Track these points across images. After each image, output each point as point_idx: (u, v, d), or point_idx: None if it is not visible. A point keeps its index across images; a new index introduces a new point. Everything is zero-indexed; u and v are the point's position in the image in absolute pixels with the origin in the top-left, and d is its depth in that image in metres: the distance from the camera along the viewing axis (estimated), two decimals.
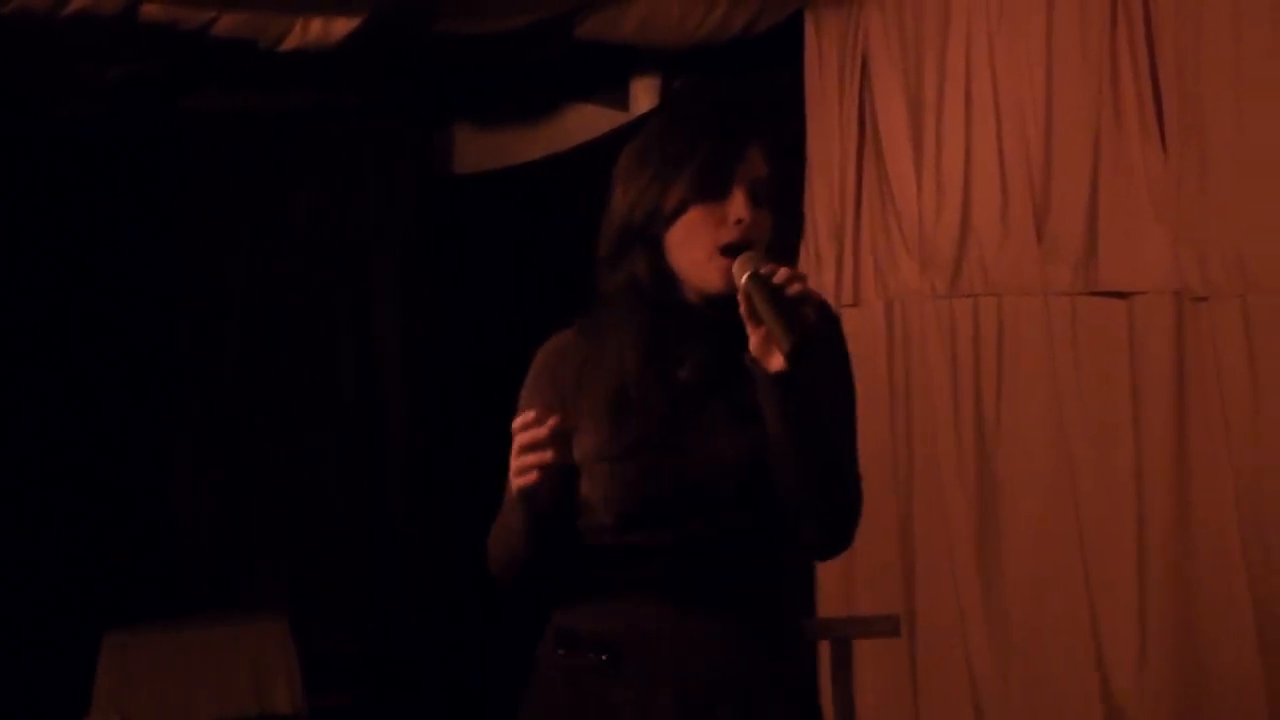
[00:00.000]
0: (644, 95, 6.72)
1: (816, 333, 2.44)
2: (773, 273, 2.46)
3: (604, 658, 2.61)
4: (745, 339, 2.52)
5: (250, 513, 7.70)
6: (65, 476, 7.29)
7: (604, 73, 6.76)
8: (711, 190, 2.59)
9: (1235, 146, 4.29)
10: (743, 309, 2.47)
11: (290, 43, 5.40)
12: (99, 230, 7.50)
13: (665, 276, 2.63)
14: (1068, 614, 4.76)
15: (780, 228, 2.68)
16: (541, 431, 2.45)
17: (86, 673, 6.48)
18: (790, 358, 2.41)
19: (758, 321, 2.46)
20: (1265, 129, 4.23)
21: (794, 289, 2.44)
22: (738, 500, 2.61)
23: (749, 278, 2.47)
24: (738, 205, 2.58)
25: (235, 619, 7.01)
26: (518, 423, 2.48)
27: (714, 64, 6.22)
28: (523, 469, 2.48)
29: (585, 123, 7.19)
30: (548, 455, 2.46)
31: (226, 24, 5.26)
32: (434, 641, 7.69)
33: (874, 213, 5.45)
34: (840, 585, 5.41)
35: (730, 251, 2.54)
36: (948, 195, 5.15)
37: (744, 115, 2.76)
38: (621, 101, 6.87)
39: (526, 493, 2.51)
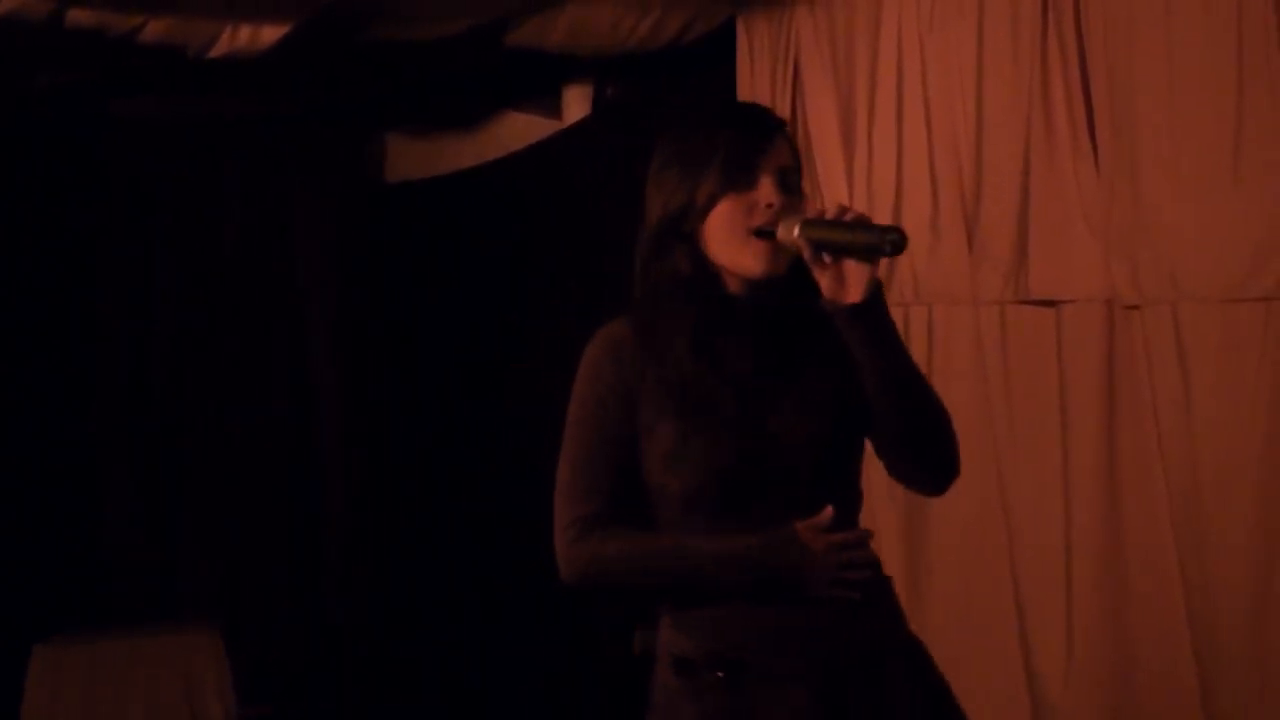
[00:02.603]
0: (576, 103, 6.72)
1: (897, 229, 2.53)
2: (821, 212, 2.59)
3: (721, 675, 2.64)
4: (793, 325, 2.68)
5: (182, 523, 7.65)
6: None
7: (536, 81, 6.76)
8: (740, 179, 2.68)
9: (1167, 155, 4.30)
10: (807, 256, 2.57)
11: (219, 49, 5.38)
12: (23, 239, 7.43)
13: (706, 269, 2.72)
14: (995, 619, 4.77)
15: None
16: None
17: (15, 685, 6.42)
18: (891, 249, 2.51)
19: (824, 261, 2.56)
20: (1197, 136, 4.24)
21: (850, 216, 2.54)
22: (817, 479, 2.69)
23: (802, 225, 2.58)
24: (766, 190, 2.67)
25: (167, 629, 6.97)
26: (847, 540, 2.63)
27: (646, 71, 6.23)
28: (844, 581, 2.62)
29: (518, 131, 7.19)
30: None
31: (154, 30, 5.23)
32: (366, 652, 7.66)
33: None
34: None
35: (764, 234, 2.64)
36: (878, 203, 5.16)
37: (765, 109, 2.89)
38: (554, 109, 6.86)
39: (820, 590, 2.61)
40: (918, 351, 4.99)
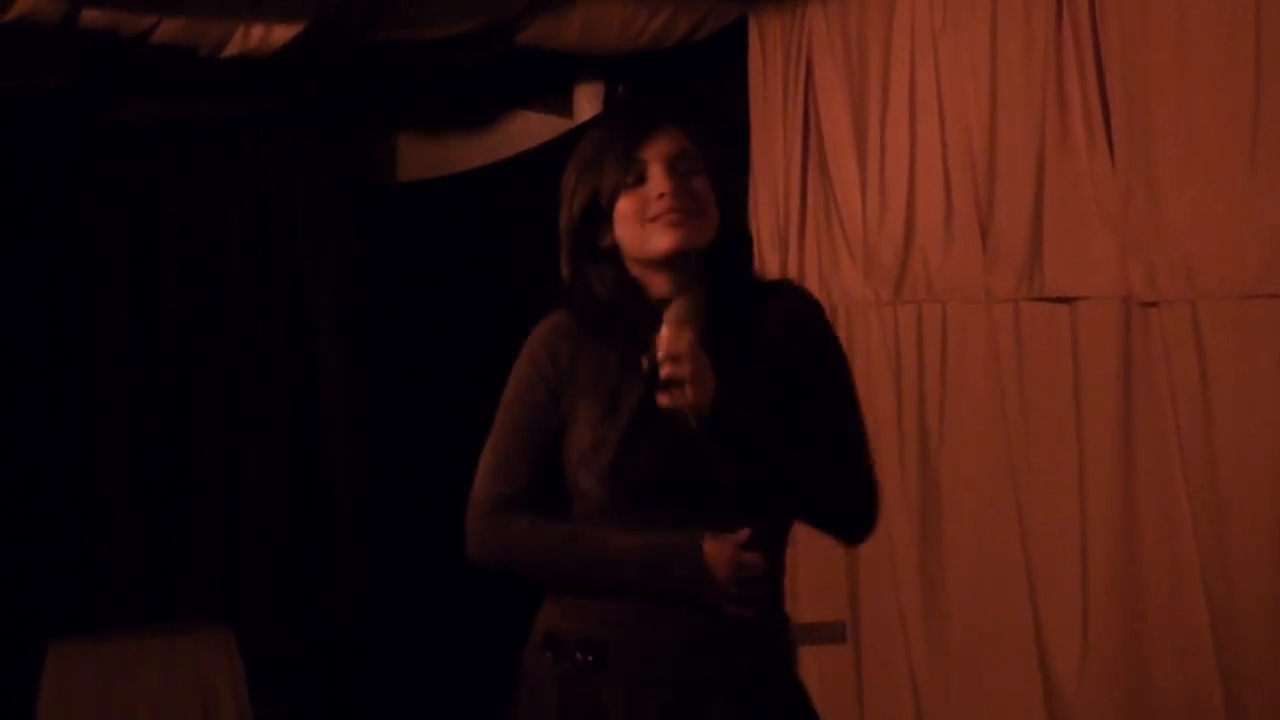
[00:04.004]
0: (587, 102, 6.72)
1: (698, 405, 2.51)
2: (655, 365, 2.52)
3: (590, 658, 2.63)
4: (724, 332, 2.64)
5: (194, 523, 7.65)
6: (6, 488, 7.22)
7: (547, 79, 6.75)
8: (629, 177, 2.68)
9: (1183, 151, 4.29)
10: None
11: (231, 49, 5.36)
12: (27, 239, 7.43)
13: (624, 284, 2.72)
14: (1010, 620, 4.76)
15: (724, 189, 2.77)
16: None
17: (31, 683, 6.43)
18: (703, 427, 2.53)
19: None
20: (1213, 132, 4.23)
21: (666, 371, 2.50)
22: (729, 496, 2.65)
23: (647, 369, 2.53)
24: (657, 181, 2.66)
25: (180, 630, 6.98)
26: (752, 560, 2.58)
27: (658, 70, 6.22)
28: (749, 600, 2.59)
29: (529, 130, 7.18)
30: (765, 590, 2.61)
31: (167, 30, 5.22)
32: (377, 651, 7.66)
33: (818, 219, 5.45)
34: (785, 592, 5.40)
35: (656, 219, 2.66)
36: (892, 201, 5.15)
37: (645, 103, 2.85)
38: (565, 108, 6.86)
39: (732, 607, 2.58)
40: (931, 350, 4.99)
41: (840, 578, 5.25)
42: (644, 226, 2.65)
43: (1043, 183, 4.68)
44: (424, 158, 7.95)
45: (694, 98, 6.09)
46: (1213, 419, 4.21)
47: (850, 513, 2.80)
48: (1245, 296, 4.13)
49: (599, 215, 2.72)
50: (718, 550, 2.56)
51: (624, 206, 2.68)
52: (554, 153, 6.89)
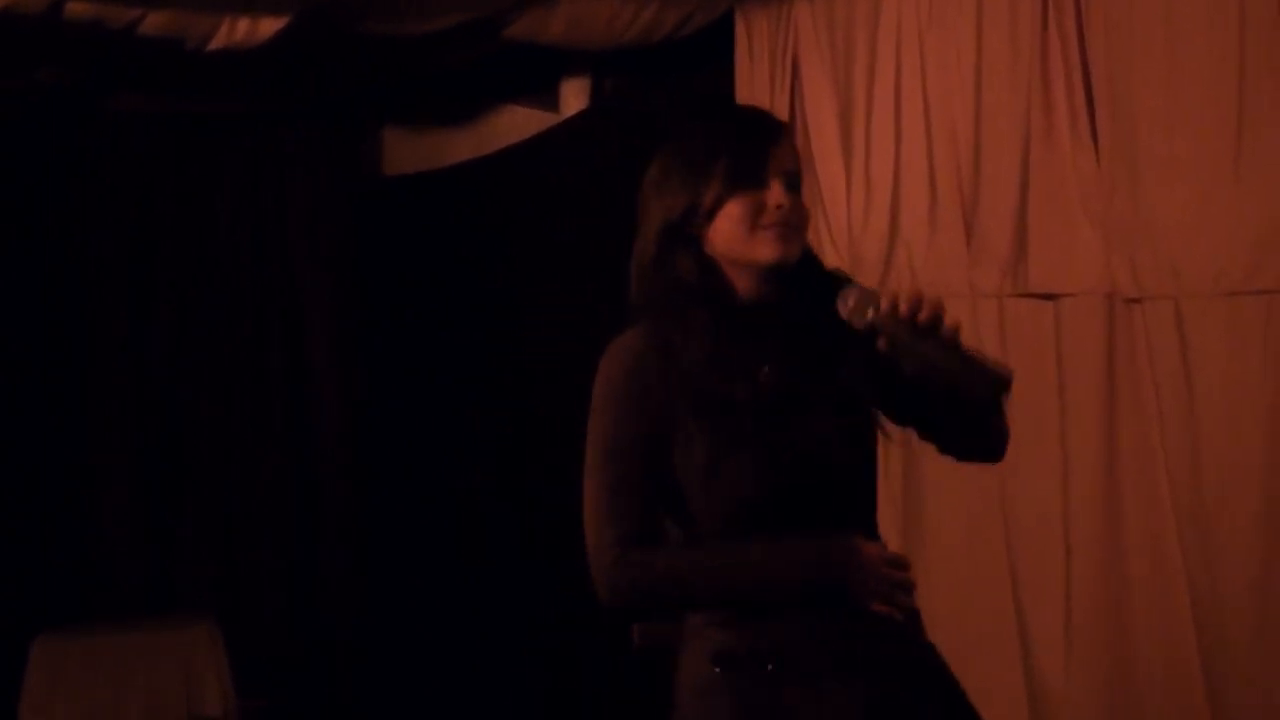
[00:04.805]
0: (574, 96, 6.72)
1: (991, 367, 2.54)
2: (894, 306, 2.52)
3: (769, 667, 2.57)
4: (809, 325, 2.64)
5: (179, 517, 7.65)
6: None
7: (534, 74, 6.76)
8: (748, 180, 2.64)
9: (1168, 148, 4.31)
10: (882, 344, 2.54)
11: (217, 42, 5.38)
12: (22, 234, 7.42)
13: (712, 273, 2.68)
14: (995, 615, 4.77)
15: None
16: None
17: (15, 677, 6.43)
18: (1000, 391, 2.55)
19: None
20: (1198, 129, 4.25)
21: (924, 316, 2.51)
22: (856, 488, 2.68)
23: (885, 317, 2.52)
24: (776, 192, 2.64)
25: (165, 622, 6.97)
26: (903, 560, 2.63)
27: (644, 65, 6.23)
28: (893, 600, 2.59)
29: (516, 124, 7.18)
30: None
31: (153, 23, 5.23)
32: (363, 644, 7.66)
33: None
34: None
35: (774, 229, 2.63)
36: (876, 197, 5.16)
37: (768, 114, 2.84)
38: (552, 103, 6.86)
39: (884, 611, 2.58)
40: None
41: None
42: (753, 232, 2.63)
43: (1027, 179, 4.70)
44: (410, 152, 7.95)
45: (681, 94, 6.11)
46: (1196, 415, 4.23)
47: (998, 404, 2.72)
48: (1228, 293, 4.15)
49: (697, 212, 2.67)
50: (873, 548, 2.59)
51: (735, 209, 2.63)
52: (540, 147, 6.93)
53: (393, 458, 7.78)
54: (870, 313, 2.52)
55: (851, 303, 2.55)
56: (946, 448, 2.81)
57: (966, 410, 2.68)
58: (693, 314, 2.65)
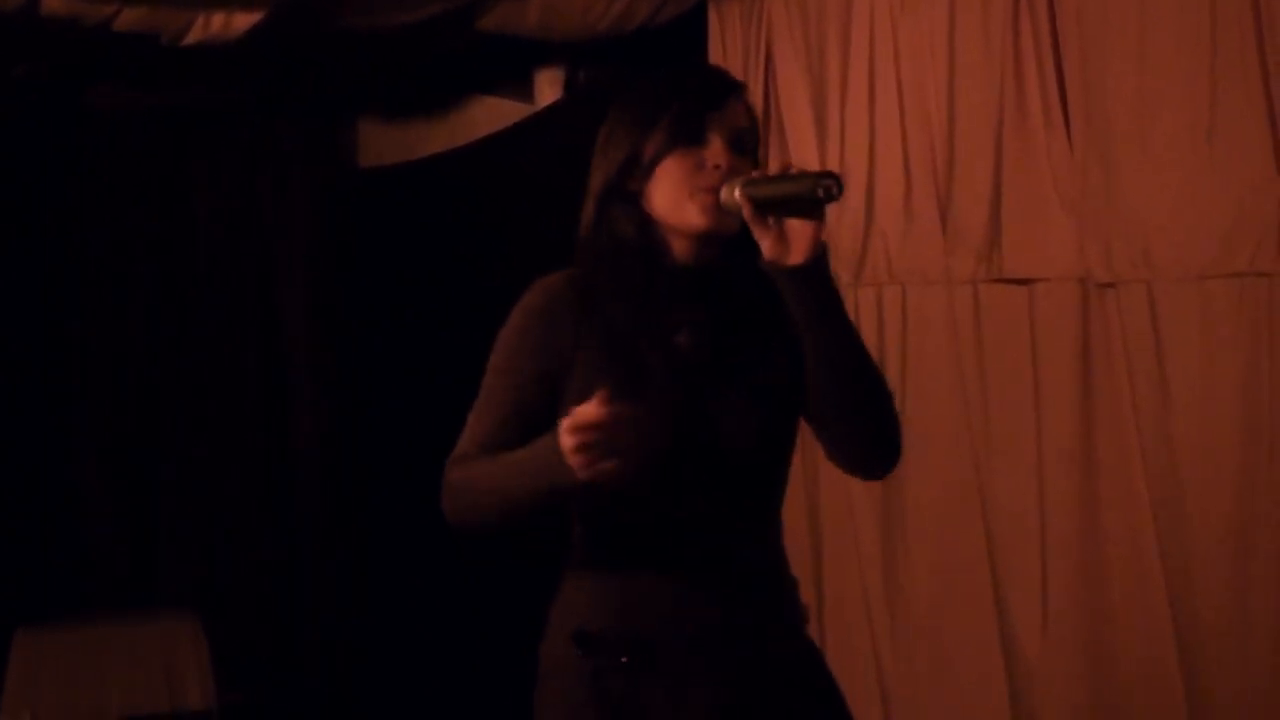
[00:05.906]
0: (548, 87, 6.72)
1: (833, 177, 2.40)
2: (764, 171, 2.47)
3: (624, 660, 2.52)
4: (741, 298, 2.56)
5: (160, 512, 7.65)
6: None
7: (508, 65, 6.76)
8: (687, 136, 2.57)
9: (1140, 132, 4.31)
10: (748, 215, 2.43)
11: (192, 37, 5.38)
12: None
13: (651, 232, 2.59)
14: (973, 598, 4.79)
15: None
16: (626, 414, 2.26)
17: None
18: (825, 195, 2.39)
19: (766, 219, 2.43)
20: (1170, 113, 4.24)
21: (793, 170, 2.44)
22: (757, 468, 2.59)
23: (744, 183, 2.46)
24: (715, 150, 2.56)
25: (146, 616, 6.98)
26: (594, 412, 2.25)
27: (618, 55, 6.23)
28: (601, 454, 2.26)
29: (490, 115, 7.19)
30: (632, 441, 2.27)
31: (128, 18, 5.23)
32: (345, 639, 7.67)
33: None
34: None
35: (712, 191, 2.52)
36: (851, 185, 5.15)
37: (722, 70, 2.82)
38: (526, 94, 6.87)
39: (590, 481, 2.29)
40: (892, 332, 5.02)
41: (805, 559, 5.27)
42: (691, 196, 2.54)
43: (1001, 165, 4.70)
44: (385, 143, 7.95)
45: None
46: (1170, 399, 4.25)
47: (890, 419, 2.58)
48: (1202, 277, 4.16)
49: (636, 167, 2.60)
50: (565, 420, 2.30)
51: (671, 166, 2.57)
52: (514, 138, 6.93)
53: (374, 450, 7.78)
54: (737, 191, 2.47)
55: (729, 184, 2.50)
56: (833, 449, 2.63)
57: (854, 408, 2.55)
58: (624, 269, 2.58)
